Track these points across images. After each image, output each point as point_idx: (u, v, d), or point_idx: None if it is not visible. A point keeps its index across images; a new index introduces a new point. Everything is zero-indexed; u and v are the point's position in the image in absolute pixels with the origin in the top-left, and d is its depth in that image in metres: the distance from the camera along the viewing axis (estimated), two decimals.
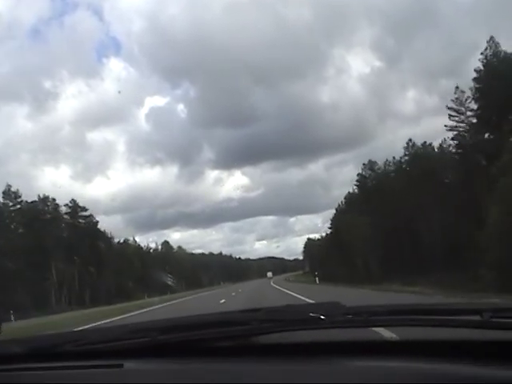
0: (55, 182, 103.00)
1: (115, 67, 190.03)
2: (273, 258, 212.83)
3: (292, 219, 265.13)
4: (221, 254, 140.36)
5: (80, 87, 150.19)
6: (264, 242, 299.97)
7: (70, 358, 1.33)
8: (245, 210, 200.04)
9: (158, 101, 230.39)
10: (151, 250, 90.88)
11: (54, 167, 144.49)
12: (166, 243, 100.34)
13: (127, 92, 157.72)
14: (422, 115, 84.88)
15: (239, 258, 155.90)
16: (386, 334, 1.76)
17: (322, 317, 1.28)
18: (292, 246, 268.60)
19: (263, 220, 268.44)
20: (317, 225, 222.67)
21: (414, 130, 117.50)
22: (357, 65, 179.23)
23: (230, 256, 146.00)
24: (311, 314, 1.30)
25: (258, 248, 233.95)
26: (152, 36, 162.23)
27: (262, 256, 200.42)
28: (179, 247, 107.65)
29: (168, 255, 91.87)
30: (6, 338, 1.56)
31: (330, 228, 77.35)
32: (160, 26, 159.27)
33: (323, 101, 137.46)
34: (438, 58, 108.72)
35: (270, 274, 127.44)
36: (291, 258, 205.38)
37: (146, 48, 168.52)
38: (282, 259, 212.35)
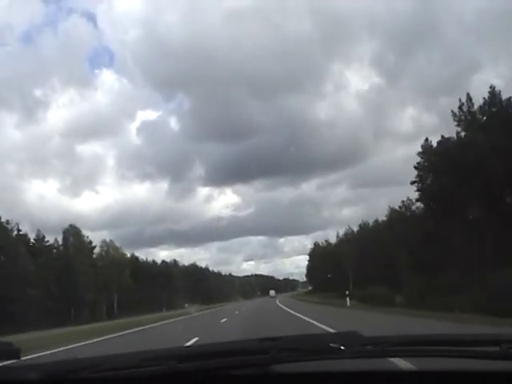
0: (42, 194, 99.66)
1: (107, 78, 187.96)
2: (260, 275, 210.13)
3: (281, 240, 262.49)
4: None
5: (70, 97, 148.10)
6: (252, 262, 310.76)
7: None
8: (234, 229, 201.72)
9: (149, 114, 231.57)
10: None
11: (42, 179, 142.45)
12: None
13: (119, 104, 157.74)
14: (419, 134, 79.79)
15: (216, 272, 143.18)
16: (405, 364, 1.78)
17: (342, 347, 1.33)
18: (279, 267, 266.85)
19: (252, 240, 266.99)
20: (306, 246, 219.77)
21: (410, 149, 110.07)
22: (355, 81, 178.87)
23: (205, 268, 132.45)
24: (331, 345, 1.35)
25: (245, 268, 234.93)
26: (146, 46, 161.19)
27: (248, 273, 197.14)
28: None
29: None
30: (22, 364, 1.65)
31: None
32: (154, 36, 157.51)
33: (319, 117, 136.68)
34: (437, 76, 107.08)
35: (272, 293, 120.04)
36: (280, 277, 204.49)
37: (140, 59, 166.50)
38: (271, 278, 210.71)
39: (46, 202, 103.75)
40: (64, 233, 62.42)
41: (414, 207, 50.24)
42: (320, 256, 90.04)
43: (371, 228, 65.13)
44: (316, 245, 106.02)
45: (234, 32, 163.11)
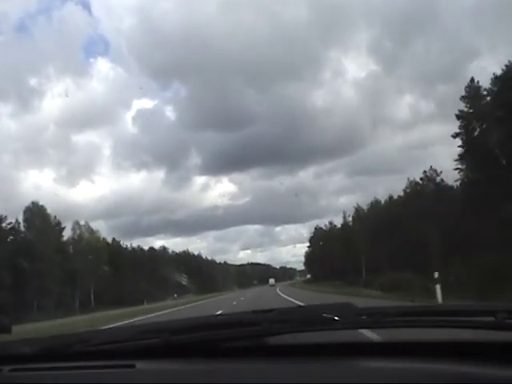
0: (38, 184, 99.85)
1: (102, 66, 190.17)
2: (257, 264, 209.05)
3: (278, 228, 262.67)
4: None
5: (65, 86, 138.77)
6: (248, 251, 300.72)
7: (82, 358, 1.40)
8: (230, 218, 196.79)
9: (146, 102, 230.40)
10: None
11: (37, 169, 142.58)
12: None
13: (114, 93, 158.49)
14: (417, 122, 74.14)
15: (210, 260, 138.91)
16: (400, 335, 1.75)
17: (336, 318, 1.33)
18: (276, 256, 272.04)
19: (249, 229, 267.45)
20: (302, 235, 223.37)
21: (407, 137, 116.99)
22: (352, 68, 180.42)
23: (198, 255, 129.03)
24: (324, 315, 1.35)
25: (241, 257, 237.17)
26: (142, 34, 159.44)
27: (244, 262, 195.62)
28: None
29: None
30: (16, 339, 1.64)
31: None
32: (150, 23, 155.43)
33: (316, 105, 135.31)
34: (435, 63, 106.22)
35: (272, 281, 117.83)
36: (277, 266, 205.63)
37: (135, 47, 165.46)
38: (268, 266, 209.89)
39: (42, 192, 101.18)
40: (25, 212, 54.87)
41: (438, 179, 45.40)
42: (324, 240, 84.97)
43: (385, 205, 59.99)
44: (318, 229, 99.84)
45: (230, 19, 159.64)
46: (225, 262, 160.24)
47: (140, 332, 1.50)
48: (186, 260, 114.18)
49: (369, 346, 1.34)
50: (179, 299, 63.67)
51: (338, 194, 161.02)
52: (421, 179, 46.84)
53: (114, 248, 73.71)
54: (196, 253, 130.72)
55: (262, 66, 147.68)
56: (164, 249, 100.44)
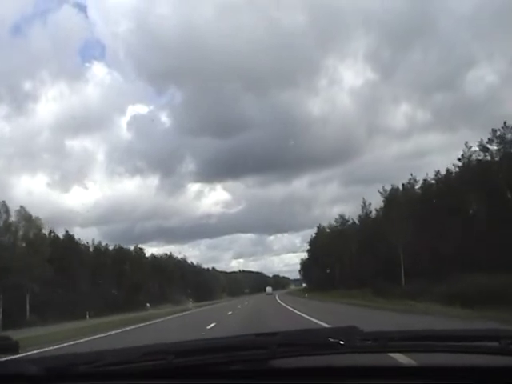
0: (31, 189, 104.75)
1: (98, 71, 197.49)
2: (249, 272, 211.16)
3: (271, 237, 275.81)
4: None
5: (60, 90, 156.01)
6: (241, 260, 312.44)
7: (85, 379, 1.47)
8: (223, 226, 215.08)
9: (141, 107, 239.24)
10: None
11: (30, 174, 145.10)
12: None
13: (109, 97, 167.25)
14: (413, 131, 70.37)
15: (196, 265, 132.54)
16: (405, 359, 1.90)
17: (341, 342, 1.38)
18: (269, 265, 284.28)
19: (241, 237, 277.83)
20: (295, 244, 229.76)
21: (403, 146, 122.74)
22: (349, 76, 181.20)
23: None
24: (330, 340, 1.41)
25: (234, 266, 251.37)
26: (138, 39, 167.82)
27: (236, 270, 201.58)
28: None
29: None
30: (22, 358, 1.79)
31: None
32: (147, 28, 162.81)
33: (312, 113, 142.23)
34: (431, 72, 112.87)
35: (269, 290, 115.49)
36: (270, 274, 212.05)
37: (132, 51, 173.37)
38: (260, 274, 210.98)
39: (35, 197, 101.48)
40: None
41: None
42: (332, 239, 75.03)
43: (422, 188, 50.42)
44: (321, 228, 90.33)
45: (227, 25, 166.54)
46: (213, 269, 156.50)
47: (144, 354, 1.54)
48: (168, 265, 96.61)
49: (374, 369, 1.39)
50: (152, 309, 55.49)
51: (331, 204, 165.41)
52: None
53: (65, 243, 55.88)
54: (180, 256, 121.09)
55: (258, 72, 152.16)
56: (140, 250, 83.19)
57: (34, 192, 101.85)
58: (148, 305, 63.36)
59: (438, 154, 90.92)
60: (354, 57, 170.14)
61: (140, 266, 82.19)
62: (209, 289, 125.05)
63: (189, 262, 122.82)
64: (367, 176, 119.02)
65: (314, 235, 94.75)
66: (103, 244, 77.54)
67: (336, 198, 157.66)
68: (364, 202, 65.56)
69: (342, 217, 77.44)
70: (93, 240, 74.80)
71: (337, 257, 67.17)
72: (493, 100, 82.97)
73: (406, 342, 1.43)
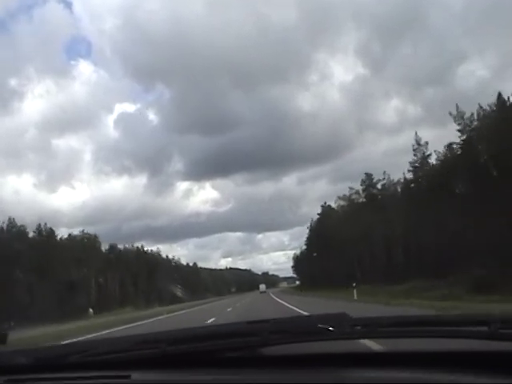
0: (17, 189, 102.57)
1: (84, 68, 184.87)
2: (236, 269, 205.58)
3: (259, 236, 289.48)
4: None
5: (46, 89, 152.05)
6: (229, 259, 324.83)
7: (77, 368, 1.52)
8: (212, 225, 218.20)
9: (128, 105, 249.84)
10: None
11: (16, 174, 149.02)
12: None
13: (96, 95, 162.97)
14: (404, 126, 55.65)
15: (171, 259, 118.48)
16: (395, 345, 1.84)
17: (331, 328, 1.44)
18: (257, 263, 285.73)
19: (230, 236, 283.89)
20: (284, 242, 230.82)
21: (393, 142, 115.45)
22: (339, 71, 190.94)
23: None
24: (320, 326, 1.47)
25: (222, 265, 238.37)
26: (125, 35, 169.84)
27: (223, 267, 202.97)
28: None
29: None
30: (12, 349, 1.85)
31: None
32: (134, 25, 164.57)
33: (302, 109, 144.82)
34: (422, 67, 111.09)
35: (262, 287, 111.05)
36: (259, 272, 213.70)
37: (119, 48, 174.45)
38: (248, 271, 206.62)
39: (21, 197, 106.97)
40: None
41: None
42: (346, 217, 59.60)
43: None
44: (326, 208, 73.97)
45: (216, 21, 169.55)
46: (194, 264, 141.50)
47: (136, 342, 1.59)
48: (134, 258, 76.77)
49: (363, 356, 1.48)
50: (96, 317, 43.25)
51: (320, 201, 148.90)
52: None
53: None
54: (150, 249, 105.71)
55: (247, 68, 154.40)
56: (94, 237, 63.54)
57: (21, 192, 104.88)
58: (91, 310, 52.51)
59: (429, 148, 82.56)
60: (345, 51, 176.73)
61: (91, 259, 62.04)
62: (189, 288, 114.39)
63: (163, 256, 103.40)
64: (356, 173, 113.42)
65: (313, 222, 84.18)
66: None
67: (325, 196, 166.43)
68: (417, 141, 49.22)
69: (369, 177, 57.09)
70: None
71: (355, 241, 54.97)
72: (483, 94, 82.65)
73: (395, 328, 1.47)
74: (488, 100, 38.68)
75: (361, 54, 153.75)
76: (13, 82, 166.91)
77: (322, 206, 79.45)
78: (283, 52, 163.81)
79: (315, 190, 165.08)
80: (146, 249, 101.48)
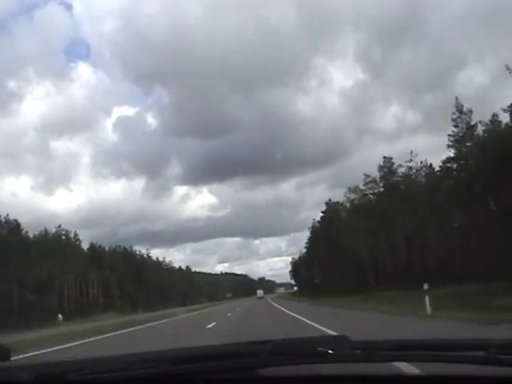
0: (14, 192, 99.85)
1: (84, 71, 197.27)
2: (232, 274, 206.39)
3: (256, 241, 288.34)
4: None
5: (45, 91, 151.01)
6: (226, 264, 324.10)
7: None
8: (209, 230, 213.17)
9: (127, 109, 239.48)
10: None
11: (14, 176, 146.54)
12: None
13: (94, 98, 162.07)
14: (402, 132, 51.25)
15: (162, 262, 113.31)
16: (394, 369, 1.92)
17: (330, 351, 1.46)
18: (254, 269, 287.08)
19: (227, 242, 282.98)
20: (281, 248, 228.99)
21: (392, 148, 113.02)
22: (338, 77, 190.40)
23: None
24: (319, 349, 1.49)
25: (218, 270, 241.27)
26: (125, 39, 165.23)
27: (218, 272, 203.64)
28: None
29: None
30: (14, 365, 1.80)
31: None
32: (133, 28, 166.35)
33: (301, 114, 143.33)
34: (421, 73, 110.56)
35: (260, 293, 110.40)
36: (255, 278, 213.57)
37: (118, 51, 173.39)
38: (245, 276, 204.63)
39: (18, 199, 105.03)
40: None
41: None
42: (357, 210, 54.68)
43: None
44: (331, 205, 68.10)
45: (215, 25, 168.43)
46: (187, 268, 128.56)
47: (136, 361, 1.61)
48: (120, 260, 70.30)
49: (361, 379, 1.50)
50: (67, 324, 36.59)
51: (318, 208, 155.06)
52: None
53: None
54: (138, 251, 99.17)
55: (246, 72, 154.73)
56: (74, 235, 58.33)
57: (18, 194, 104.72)
58: (60, 316, 45.39)
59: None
60: (344, 56, 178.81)
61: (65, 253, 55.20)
62: (181, 292, 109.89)
63: (154, 258, 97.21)
64: (355, 179, 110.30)
65: (315, 223, 79.27)
66: None
67: (322, 202, 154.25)
68: (459, 108, 42.84)
69: (388, 160, 50.26)
70: None
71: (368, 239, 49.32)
72: (483, 100, 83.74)
73: (395, 352, 1.49)
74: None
75: (360, 58, 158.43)
76: (12, 84, 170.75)
77: (327, 203, 75.89)
78: (282, 56, 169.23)
79: (313, 196, 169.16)
80: (134, 249, 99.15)
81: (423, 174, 50.80)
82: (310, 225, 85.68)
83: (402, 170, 52.64)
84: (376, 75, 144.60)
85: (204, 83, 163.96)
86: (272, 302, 53.02)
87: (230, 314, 33.15)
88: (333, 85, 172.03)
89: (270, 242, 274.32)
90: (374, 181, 57.05)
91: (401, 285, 37.84)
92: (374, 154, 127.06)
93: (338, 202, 69.03)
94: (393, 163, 54.51)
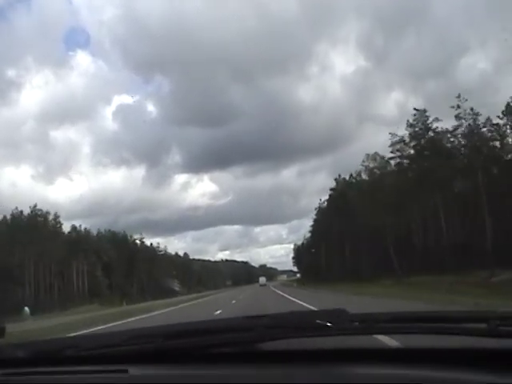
0: (14, 181, 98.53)
1: (83, 59, 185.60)
2: (232, 261, 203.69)
3: (257, 229, 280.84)
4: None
5: (44, 79, 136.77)
6: (227, 252, 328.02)
7: (74, 362, 1.59)
8: (210, 218, 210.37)
9: (127, 97, 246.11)
10: None
11: (14, 166, 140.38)
12: None
13: (94, 87, 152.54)
14: (404, 119, 60.97)
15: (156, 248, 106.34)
16: (392, 342, 1.91)
17: (329, 324, 1.48)
18: (255, 257, 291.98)
19: (228, 229, 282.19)
20: (282, 235, 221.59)
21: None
22: (339, 63, 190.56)
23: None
24: (318, 321, 1.50)
25: (219, 258, 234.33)
26: (124, 27, 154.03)
27: (218, 259, 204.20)
28: None
29: None
30: (9, 343, 1.82)
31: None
32: (133, 16, 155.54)
33: (302, 101, 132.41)
34: (424, 59, 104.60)
35: (262, 280, 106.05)
36: (256, 265, 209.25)
37: (118, 39, 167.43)
38: (246, 263, 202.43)
39: (18, 189, 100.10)
40: None
41: None
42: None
43: None
44: (340, 180, 64.50)
45: (215, 13, 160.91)
46: (185, 255, 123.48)
47: (133, 337, 1.62)
48: (108, 245, 63.66)
49: (360, 352, 1.51)
50: (35, 320, 31.05)
51: (319, 195, 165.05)
52: None
53: None
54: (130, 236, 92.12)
55: (247, 60, 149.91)
56: (55, 217, 50.72)
57: (18, 184, 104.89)
58: (27, 310, 38.22)
59: None
60: (346, 43, 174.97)
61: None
62: (175, 281, 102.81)
63: (147, 243, 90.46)
64: (356, 166, 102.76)
65: (321, 203, 75.49)
66: None
67: (324, 189, 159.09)
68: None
69: (422, 114, 42.45)
70: None
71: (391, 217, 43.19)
72: (486, 87, 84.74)
73: (393, 324, 1.50)
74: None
75: (362, 45, 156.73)
76: (10, 73, 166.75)
77: (336, 180, 68.78)
78: (283, 44, 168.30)
79: (314, 184, 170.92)
80: (126, 234, 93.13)
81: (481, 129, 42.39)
82: (317, 205, 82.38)
83: (439, 125, 43.96)
84: (378, 62, 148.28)
85: (205, 71, 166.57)
86: (277, 290, 49.89)
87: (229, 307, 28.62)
88: (335, 72, 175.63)
89: (271, 230, 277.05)
90: (402, 141, 46.40)
91: (440, 268, 33.89)
92: (375, 140, 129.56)
93: (351, 176, 63.16)
94: (427, 117, 44.71)
